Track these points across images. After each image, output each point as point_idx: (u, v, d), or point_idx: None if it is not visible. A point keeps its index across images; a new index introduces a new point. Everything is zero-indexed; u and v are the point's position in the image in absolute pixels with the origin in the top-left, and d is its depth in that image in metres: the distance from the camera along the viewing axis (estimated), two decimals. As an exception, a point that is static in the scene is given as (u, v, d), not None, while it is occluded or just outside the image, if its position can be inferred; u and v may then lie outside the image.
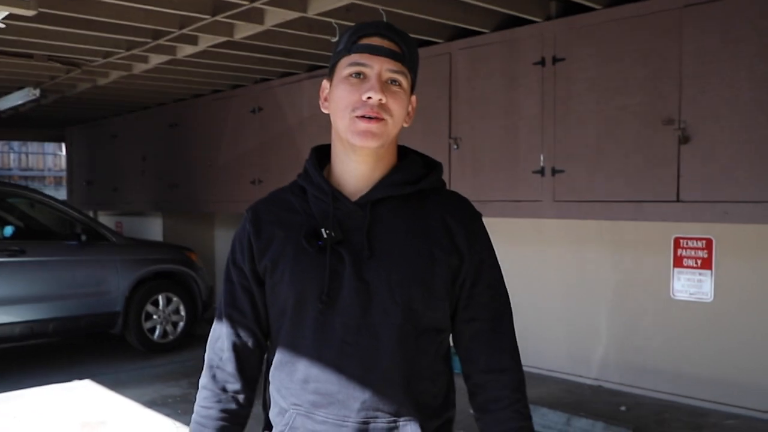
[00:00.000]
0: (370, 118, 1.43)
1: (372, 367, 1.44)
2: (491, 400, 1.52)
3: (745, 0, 3.71)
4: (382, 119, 1.44)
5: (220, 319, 1.60)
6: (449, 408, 1.55)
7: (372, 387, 1.43)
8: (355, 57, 1.45)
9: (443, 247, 1.48)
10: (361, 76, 1.45)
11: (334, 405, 1.44)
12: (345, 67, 1.46)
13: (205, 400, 1.58)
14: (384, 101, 1.43)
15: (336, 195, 1.50)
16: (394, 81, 1.45)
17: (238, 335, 1.57)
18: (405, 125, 1.52)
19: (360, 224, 1.48)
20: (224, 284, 1.61)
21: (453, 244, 1.49)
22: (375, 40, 1.46)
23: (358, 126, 1.44)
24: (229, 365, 1.56)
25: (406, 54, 1.47)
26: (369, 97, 1.42)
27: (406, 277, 1.45)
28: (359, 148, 1.47)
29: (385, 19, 4.22)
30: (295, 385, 1.48)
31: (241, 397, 1.57)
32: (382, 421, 1.44)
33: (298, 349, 1.50)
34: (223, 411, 1.56)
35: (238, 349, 1.57)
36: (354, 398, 1.43)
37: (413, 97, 1.54)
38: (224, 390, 1.57)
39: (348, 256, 1.45)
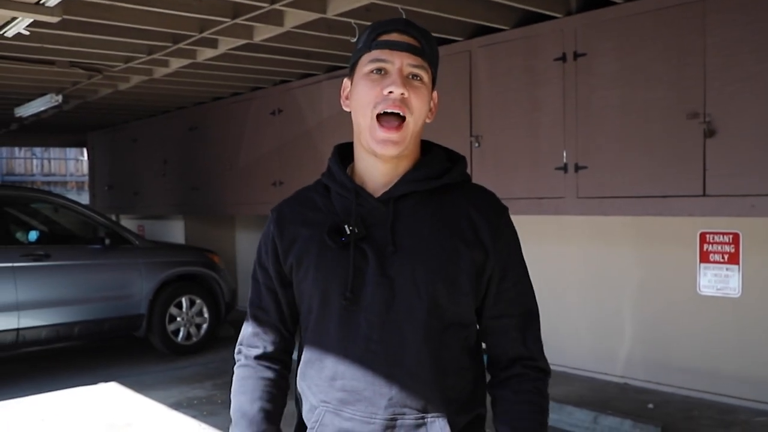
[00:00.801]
0: (389, 125, 1.43)
1: (398, 363, 1.44)
2: (511, 391, 1.51)
3: (770, -9, 3.67)
4: (402, 122, 1.44)
5: (248, 317, 1.64)
6: (478, 404, 1.54)
7: (398, 383, 1.43)
8: (375, 53, 1.45)
9: (468, 242, 1.47)
10: (383, 72, 1.45)
11: (362, 402, 1.44)
12: (366, 64, 1.47)
13: (242, 373, 1.61)
14: (406, 95, 1.43)
15: (359, 191, 1.51)
16: (415, 76, 1.45)
17: (264, 332, 1.60)
18: (428, 121, 1.52)
19: (383, 220, 1.48)
20: (252, 283, 1.64)
21: (477, 239, 1.48)
22: (394, 36, 1.46)
23: (378, 134, 1.44)
24: (256, 351, 1.61)
25: (426, 49, 1.47)
26: (390, 92, 1.42)
27: (430, 272, 1.44)
28: (380, 154, 1.48)
29: (404, 17, 4.21)
30: (324, 382, 1.49)
31: (276, 364, 1.61)
32: (409, 418, 1.43)
33: (324, 346, 1.50)
34: (263, 378, 1.59)
35: (264, 343, 1.61)
36: (381, 395, 1.43)
37: (435, 93, 1.54)
38: (256, 361, 1.60)
39: (371, 252, 1.46)
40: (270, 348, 1.59)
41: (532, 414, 1.49)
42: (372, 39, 1.47)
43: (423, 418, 1.44)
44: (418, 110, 1.46)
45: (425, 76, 1.47)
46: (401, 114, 1.43)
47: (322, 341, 1.51)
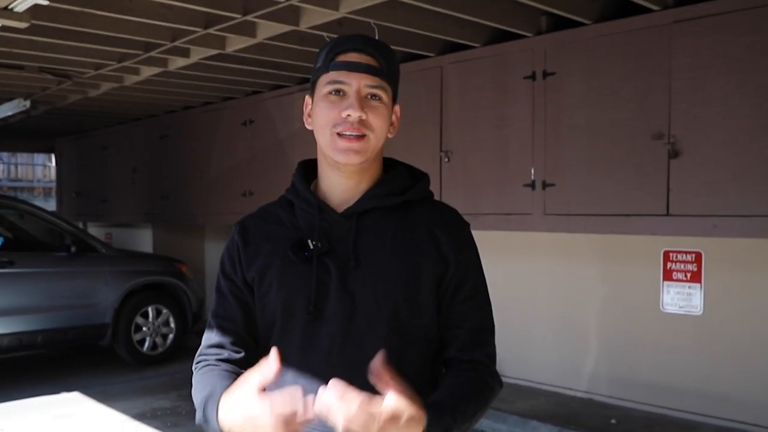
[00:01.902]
0: (351, 136, 1.45)
1: (357, 377, 1.42)
2: (454, 373, 1.50)
3: (734, 16, 3.75)
4: (364, 136, 1.45)
5: (210, 328, 1.60)
6: None
7: None
8: (333, 75, 1.46)
9: (429, 258, 1.49)
10: (341, 93, 1.46)
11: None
12: (324, 85, 1.48)
13: (201, 369, 1.53)
14: (364, 117, 1.44)
15: (322, 207, 1.52)
16: (374, 96, 1.47)
17: (230, 343, 1.56)
18: (390, 136, 1.54)
19: (346, 235, 1.49)
20: (215, 295, 1.62)
21: (439, 254, 1.50)
22: (352, 56, 1.46)
23: (339, 144, 1.46)
24: (220, 356, 1.54)
25: (384, 67, 1.48)
26: (348, 115, 1.44)
27: (391, 287, 1.46)
28: (342, 164, 1.49)
29: (376, 33, 4.24)
30: None
31: (237, 363, 1.53)
32: None
33: (286, 359, 1.48)
34: (226, 371, 1.51)
35: (229, 352, 1.55)
36: None
37: (396, 107, 1.55)
38: (220, 359, 1.53)
39: (334, 266, 1.47)
40: (235, 356, 1.55)
41: (472, 391, 1.46)
42: (330, 59, 1.47)
43: None
44: (379, 128, 1.48)
45: (384, 95, 1.48)
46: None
47: (283, 354, 1.49)
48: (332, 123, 1.46)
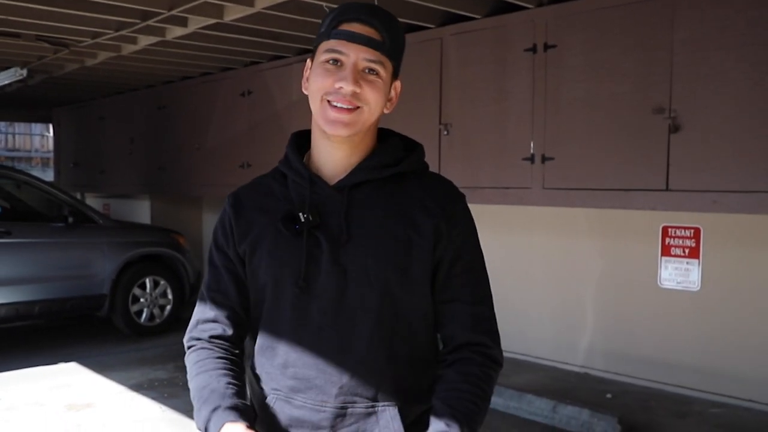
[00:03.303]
0: (341, 107, 1.42)
1: (350, 351, 1.44)
2: (455, 371, 1.47)
3: (737, -11, 3.71)
4: (356, 108, 1.43)
5: (203, 301, 1.58)
6: (430, 395, 1.51)
7: (350, 372, 1.43)
8: (332, 43, 1.43)
9: (422, 231, 1.46)
10: (338, 63, 1.43)
11: (312, 390, 1.44)
12: (323, 53, 1.45)
13: (195, 353, 1.53)
14: (358, 91, 1.41)
15: (313, 179, 1.50)
16: (371, 70, 1.43)
17: (223, 316, 1.55)
18: (386, 111, 1.50)
19: (338, 208, 1.47)
20: (207, 268, 1.60)
21: (432, 227, 1.47)
22: (355, 27, 1.42)
23: (329, 114, 1.43)
24: (213, 332, 1.53)
25: (386, 41, 1.44)
26: (341, 87, 1.41)
27: (382, 261, 1.44)
28: (331, 135, 1.46)
29: (376, 1, 4.18)
30: (275, 369, 1.48)
31: (230, 342, 1.53)
32: (360, 406, 1.43)
33: (277, 333, 1.50)
34: (219, 358, 1.51)
35: (222, 326, 1.54)
36: (332, 383, 1.43)
37: (397, 83, 1.52)
38: (213, 337, 1.53)
39: (325, 240, 1.45)
40: (229, 331, 1.54)
41: (472, 396, 1.43)
42: (333, 26, 1.44)
43: (373, 406, 1.44)
44: (374, 102, 1.44)
45: (381, 71, 1.44)
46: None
47: (275, 329, 1.50)
48: (324, 91, 1.43)
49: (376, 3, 4.12)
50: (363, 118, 1.45)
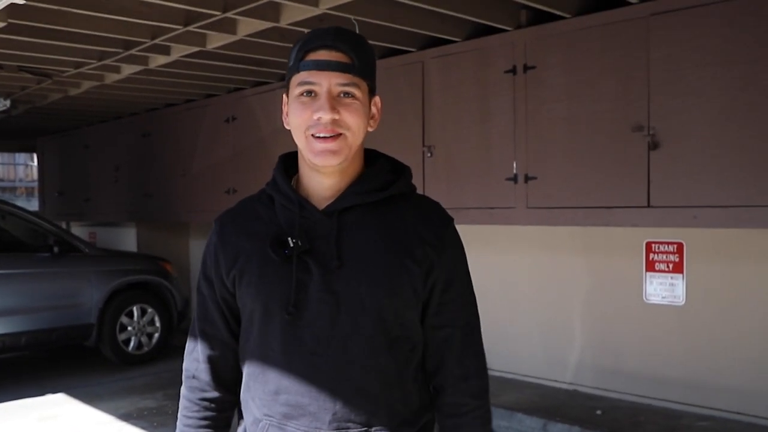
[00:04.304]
0: (325, 137, 1.41)
1: (343, 378, 1.44)
2: (453, 405, 1.53)
3: (710, 9, 3.78)
4: (339, 135, 1.42)
5: (193, 331, 1.61)
6: (425, 412, 1.55)
7: (343, 398, 1.43)
8: (303, 75, 1.42)
9: (413, 255, 1.46)
10: (312, 94, 1.42)
11: (306, 417, 1.44)
12: (296, 86, 1.44)
13: (185, 409, 1.60)
14: (337, 118, 1.41)
15: (303, 203, 1.49)
16: (346, 93, 1.42)
17: (211, 348, 1.58)
18: (370, 129, 1.50)
19: (327, 233, 1.46)
20: (197, 296, 1.62)
21: (423, 251, 1.47)
22: (322, 54, 1.41)
23: (315, 146, 1.43)
24: (205, 375, 1.58)
25: (355, 62, 1.42)
26: (320, 117, 1.41)
27: (375, 286, 1.44)
28: (321, 167, 1.46)
29: (357, 29, 4.23)
30: (267, 395, 1.48)
31: (220, 403, 1.59)
32: None
33: (267, 360, 1.49)
34: (203, 419, 1.58)
35: (212, 360, 1.58)
36: (325, 410, 1.43)
37: (376, 99, 1.51)
38: (203, 399, 1.58)
39: (315, 266, 1.44)
40: (215, 396, 1.58)
41: None
42: (300, 58, 1.43)
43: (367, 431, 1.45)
44: (355, 126, 1.44)
45: (357, 92, 1.43)
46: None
47: (265, 355, 1.50)
48: (306, 125, 1.43)
49: (357, 30, 4.17)
50: (348, 144, 1.44)
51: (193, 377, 1.59)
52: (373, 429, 1.45)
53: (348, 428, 1.43)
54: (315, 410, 1.44)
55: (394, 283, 1.45)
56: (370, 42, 1.52)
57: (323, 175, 1.49)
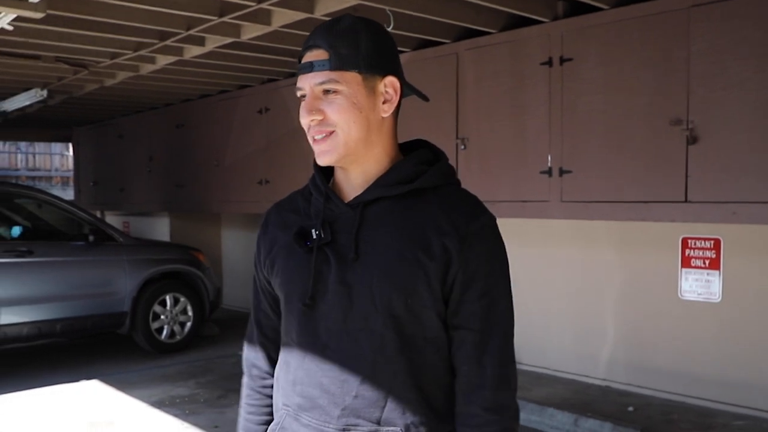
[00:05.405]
0: (318, 138, 1.44)
1: (353, 373, 1.41)
2: (462, 415, 1.43)
3: (752, 0, 3.70)
4: (331, 133, 1.41)
5: (251, 320, 1.66)
6: (447, 420, 1.45)
7: (352, 394, 1.40)
8: (298, 80, 1.46)
9: (429, 249, 1.39)
10: (304, 98, 1.44)
11: (316, 410, 1.43)
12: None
13: (248, 397, 1.64)
14: (319, 118, 1.41)
15: (329, 195, 1.48)
16: (327, 91, 1.41)
17: (266, 336, 1.62)
18: (384, 115, 1.45)
19: (349, 226, 1.44)
20: (253, 285, 1.66)
21: (441, 245, 1.39)
22: (307, 56, 1.43)
23: (314, 148, 1.46)
24: (263, 362, 1.62)
25: (332, 57, 1.39)
26: (305, 121, 1.44)
27: (387, 282, 1.39)
28: (324, 164, 1.48)
29: (391, 21, 4.21)
30: (288, 385, 1.49)
31: (268, 388, 1.62)
32: (362, 429, 1.40)
33: (289, 350, 1.51)
34: (266, 406, 1.61)
35: (268, 348, 1.61)
36: (335, 404, 1.41)
37: (387, 80, 1.44)
38: (264, 387, 1.61)
39: (333, 258, 1.43)
40: (271, 364, 1.61)
41: None
42: (299, 63, 1.46)
43: (377, 430, 1.40)
44: (342, 121, 1.41)
45: (339, 86, 1.39)
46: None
47: (288, 345, 1.52)
48: (306, 129, 1.46)
49: (391, 23, 4.13)
50: (342, 140, 1.41)
51: (253, 365, 1.63)
52: (384, 428, 1.40)
53: (357, 425, 1.40)
54: (325, 404, 1.42)
55: (406, 278, 1.39)
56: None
57: (341, 169, 1.50)
